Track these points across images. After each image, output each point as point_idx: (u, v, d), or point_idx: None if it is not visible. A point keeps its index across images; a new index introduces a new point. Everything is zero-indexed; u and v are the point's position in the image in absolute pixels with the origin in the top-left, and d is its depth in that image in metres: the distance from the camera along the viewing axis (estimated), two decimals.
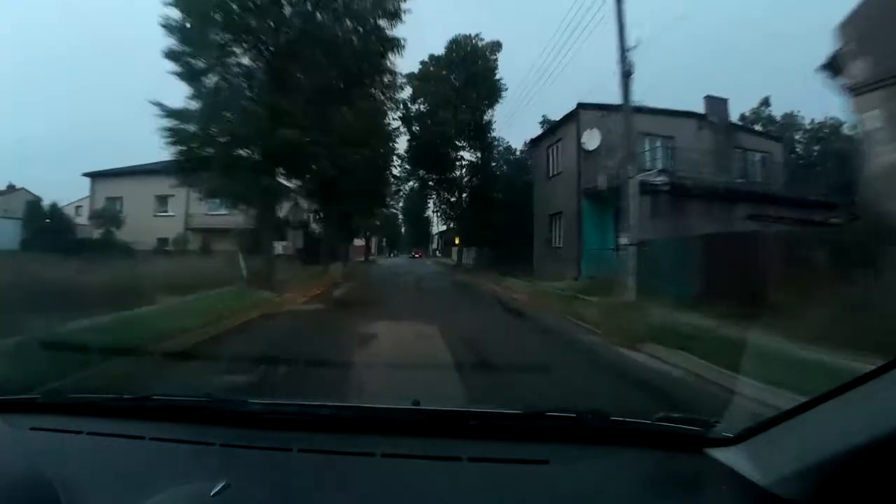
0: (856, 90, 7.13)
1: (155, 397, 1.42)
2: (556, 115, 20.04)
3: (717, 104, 20.44)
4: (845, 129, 32.04)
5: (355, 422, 1.32)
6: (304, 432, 1.25)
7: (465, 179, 26.36)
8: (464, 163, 26.27)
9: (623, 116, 10.60)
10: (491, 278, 18.04)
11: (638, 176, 15.16)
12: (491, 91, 24.58)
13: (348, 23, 12.16)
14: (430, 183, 28.29)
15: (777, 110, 33.93)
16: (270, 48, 11.55)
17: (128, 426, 1.30)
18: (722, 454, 1.07)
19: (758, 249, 8.43)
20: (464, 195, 28.74)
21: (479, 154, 25.59)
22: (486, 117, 24.90)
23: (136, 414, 1.39)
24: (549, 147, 19.90)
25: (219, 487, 0.93)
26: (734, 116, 21.95)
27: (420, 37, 24.56)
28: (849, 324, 4.70)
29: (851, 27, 7.25)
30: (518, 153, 28.44)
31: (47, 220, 21.13)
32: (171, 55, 11.03)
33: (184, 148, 11.45)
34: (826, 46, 7.65)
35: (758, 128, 26.80)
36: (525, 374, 3.85)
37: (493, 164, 25.78)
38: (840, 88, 7.63)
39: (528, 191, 22.04)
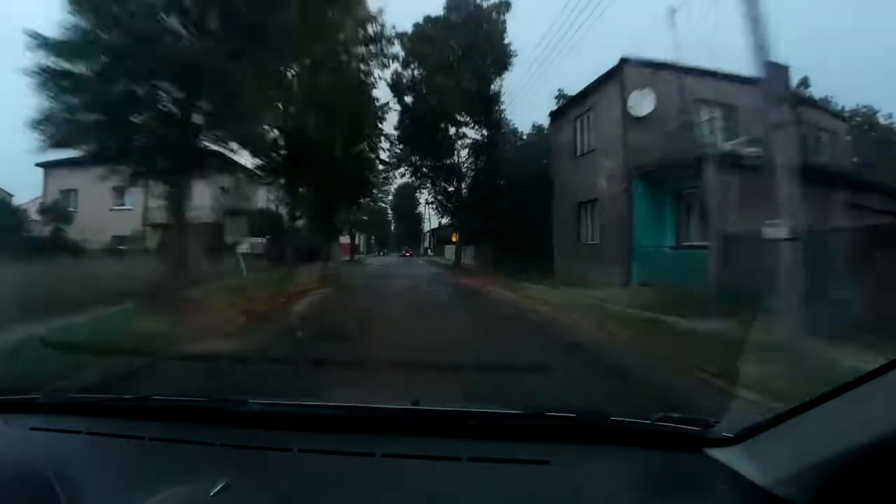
0: None
1: (155, 397, 1.43)
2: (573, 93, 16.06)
3: (778, 72, 16.37)
4: (880, 118, 29.72)
5: (355, 422, 1.30)
6: (304, 432, 1.25)
7: (468, 162, 21.94)
8: (466, 142, 21.87)
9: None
10: (503, 283, 13.99)
11: (727, 143, 11.15)
12: (499, 57, 20.30)
13: None
14: (424, 169, 23.98)
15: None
16: None
17: (128, 426, 1.32)
18: (722, 454, 1.07)
19: None
20: (463, 184, 24.53)
21: (484, 132, 21.14)
22: (493, 87, 20.48)
23: (136, 414, 1.40)
24: (576, 119, 15.91)
25: (219, 487, 0.94)
26: None
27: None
28: None
29: None
30: (524, 138, 24.29)
31: None
32: None
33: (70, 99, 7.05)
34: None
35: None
36: None
37: (502, 145, 21.22)
38: None
39: (544, 175, 17.97)
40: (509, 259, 19.41)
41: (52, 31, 6.76)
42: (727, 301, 7.42)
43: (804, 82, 31.34)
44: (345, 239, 41.52)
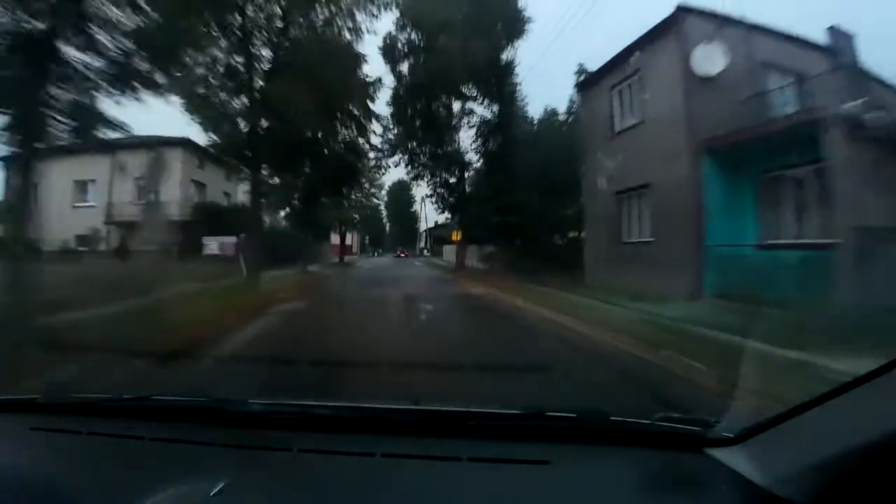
0: None
1: (155, 397, 1.44)
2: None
3: (842, 39, 13.55)
4: None
5: (355, 422, 1.30)
6: (304, 432, 1.25)
7: (476, 145, 18.66)
8: (473, 122, 18.60)
9: None
10: (528, 293, 11.02)
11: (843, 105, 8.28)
12: (512, 19, 17.08)
13: None
14: (422, 157, 20.86)
15: None
16: None
17: (128, 426, 1.31)
18: (722, 454, 1.07)
19: None
20: (467, 174, 21.42)
21: (496, 108, 17.85)
22: (505, 55, 17.21)
23: (136, 414, 1.40)
24: (614, 88, 12.91)
25: (219, 487, 0.94)
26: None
27: None
28: None
29: None
30: (535, 123, 21.17)
31: None
32: None
33: None
34: None
35: None
36: None
37: (517, 125, 17.87)
38: None
39: (568, 161, 14.94)
40: (524, 261, 16.38)
41: None
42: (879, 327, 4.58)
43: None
44: (339, 239, 38.52)
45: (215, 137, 10.68)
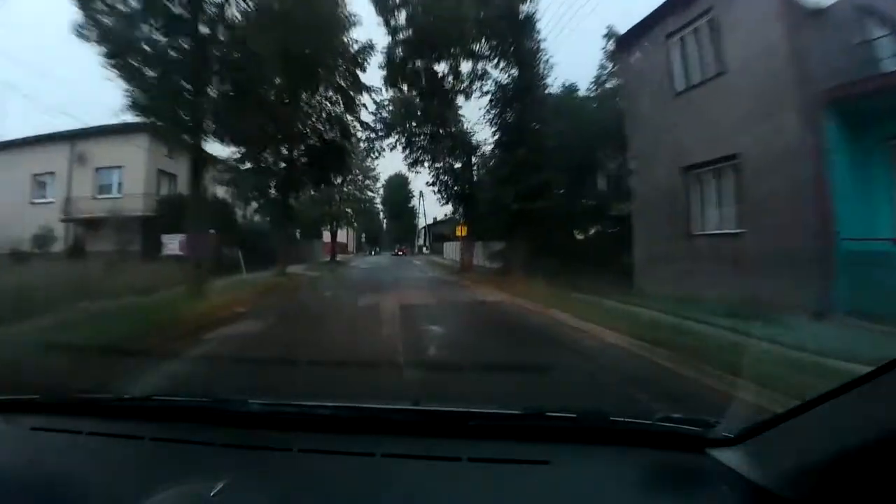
0: None
1: (155, 397, 1.46)
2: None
3: None
4: None
5: (355, 422, 1.30)
6: (304, 432, 1.25)
7: (492, 115, 15.52)
8: (487, 86, 15.45)
9: None
10: (564, 303, 8.45)
11: None
12: None
13: None
14: (422, 137, 17.92)
15: None
16: None
17: (128, 426, 1.31)
18: (722, 454, 1.07)
19: None
20: (474, 158, 18.49)
21: (514, 71, 14.83)
22: (524, 8, 14.16)
23: (136, 414, 1.39)
24: (672, 35, 10.08)
25: (219, 487, 0.94)
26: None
27: None
28: None
29: None
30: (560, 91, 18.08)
31: None
32: None
33: None
34: None
35: None
36: None
37: (542, 91, 14.75)
38: None
39: (607, 132, 12.04)
40: (546, 259, 13.49)
41: None
42: None
43: None
44: (340, 238, 35.62)
45: (138, 94, 7.70)
